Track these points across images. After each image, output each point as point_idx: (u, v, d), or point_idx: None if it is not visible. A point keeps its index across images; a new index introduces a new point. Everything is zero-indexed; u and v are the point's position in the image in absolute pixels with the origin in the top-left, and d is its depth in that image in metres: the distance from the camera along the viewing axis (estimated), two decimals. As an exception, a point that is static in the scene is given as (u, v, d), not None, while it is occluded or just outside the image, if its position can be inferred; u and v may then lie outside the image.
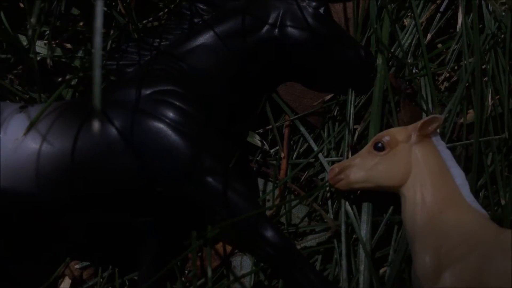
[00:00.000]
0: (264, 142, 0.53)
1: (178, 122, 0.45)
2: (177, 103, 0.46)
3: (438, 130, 0.47)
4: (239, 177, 0.46)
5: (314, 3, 0.49)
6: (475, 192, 0.49)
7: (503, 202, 0.48)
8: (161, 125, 0.45)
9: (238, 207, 0.45)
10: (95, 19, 0.32)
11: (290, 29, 0.49)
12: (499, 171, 0.49)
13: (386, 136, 0.46)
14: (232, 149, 0.48)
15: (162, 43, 0.51)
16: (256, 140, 0.53)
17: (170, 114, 0.45)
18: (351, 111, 0.52)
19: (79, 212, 0.46)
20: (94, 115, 0.42)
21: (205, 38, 0.49)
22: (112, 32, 0.56)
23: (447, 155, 0.46)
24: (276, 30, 0.49)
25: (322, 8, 0.50)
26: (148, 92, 0.47)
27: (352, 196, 0.50)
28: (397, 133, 0.46)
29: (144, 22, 0.56)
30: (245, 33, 0.49)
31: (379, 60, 0.52)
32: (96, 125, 0.34)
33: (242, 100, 0.50)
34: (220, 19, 0.50)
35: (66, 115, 0.47)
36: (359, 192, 0.49)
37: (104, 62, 0.52)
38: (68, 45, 0.56)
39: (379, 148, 0.46)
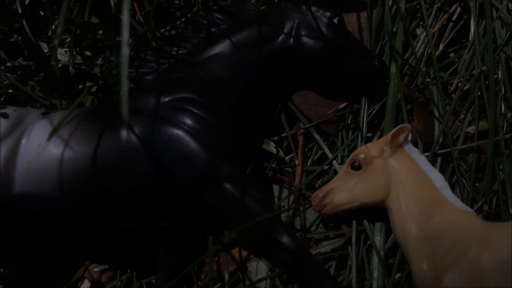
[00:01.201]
0: (279, 149, 0.54)
1: (196, 129, 0.46)
2: (195, 111, 0.47)
3: (409, 139, 0.48)
4: (256, 184, 0.47)
5: (328, 14, 0.50)
6: (488, 201, 0.50)
7: (511, 210, 0.49)
8: (180, 132, 0.46)
9: (255, 213, 0.46)
10: (122, 31, 0.34)
11: (304, 39, 0.50)
12: (508, 180, 0.49)
13: (360, 154, 0.48)
14: (248, 157, 0.49)
15: (180, 52, 0.53)
16: (272, 147, 0.54)
17: (189, 121, 0.46)
18: (365, 119, 0.53)
19: (99, 217, 0.47)
20: (119, 123, 0.44)
21: (221, 47, 0.51)
22: (130, 40, 0.58)
23: (422, 160, 0.48)
24: (291, 39, 0.50)
25: (337, 18, 0.51)
26: (166, 99, 0.48)
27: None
28: (371, 149, 0.48)
29: (162, 31, 0.58)
30: (261, 43, 0.50)
31: (393, 69, 0.53)
32: (124, 135, 0.35)
33: (258, 108, 0.52)
34: (236, 29, 0.51)
35: (87, 122, 0.48)
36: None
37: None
38: (88, 53, 0.58)
39: (356, 167, 0.48)
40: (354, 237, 0.49)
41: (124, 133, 0.35)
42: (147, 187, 0.46)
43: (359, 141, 0.52)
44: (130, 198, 0.47)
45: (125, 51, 0.34)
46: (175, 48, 0.53)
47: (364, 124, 0.53)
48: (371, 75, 0.52)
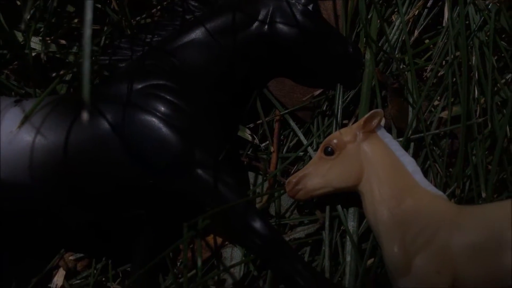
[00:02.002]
0: (255, 136, 0.54)
1: (169, 116, 0.46)
2: (168, 97, 0.47)
3: (382, 124, 0.48)
4: (230, 170, 0.47)
5: (303, 1, 0.50)
6: (461, 185, 0.50)
7: (484, 195, 0.49)
8: (152, 119, 0.46)
9: (228, 199, 0.46)
10: (85, 11, 0.33)
11: (279, 26, 0.50)
12: (481, 164, 0.50)
13: (333, 139, 0.48)
14: (223, 143, 0.49)
15: (154, 39, 0.52)
16: (247, 134, 0.54)
17: (161, 108, 0.46)
18: (340, 106, 0.53)
19: (72, 204, 0.47)
20: (83, 106, 0.43)
21: (196, 34, 0.50)
22: (105, 28, 0.57)
23: (394, 145, 0.48)
24: (266, 26, 0.50)
25: (311, 5, 0.51)
26: (139, 86, 0.48)
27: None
28: (343, 134, 0.48)
29: (137, 18, 0.57)
30: (235, 30, 0.50)
31: (368, 56, 0.53)
32: (85, 116, 0.35)
33: (232, 95, 0.51)
34: (211, 16, 0.51)
35: (59, 109, 0.48)
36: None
37: (97, 57, 0.53)
38: (63, 41, 0.58)
39: (329, 152, 0.48)
40: (327, 223, 0.50)
41: (84, 115, 0.34)
42: (119, 174, 0.46)
43: (334, 127, 0.52)
44: (102, 185, 0.46)
45: (88, 31, 0.33)
46: (150, 36, 0.52)
47: (339, 110, 0.53)
48: (346, 62, 0.52)
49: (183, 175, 0.46)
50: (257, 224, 0.45)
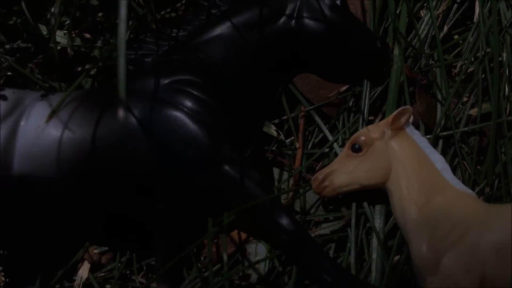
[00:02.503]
0: (280, 132, 0.53)
1: (196, 111, 0.46)
2: (195, 93, 0.47)
3: (410, 121, 0.48)
4: (256, 166, 0.47)
5: None
6: (490, 183, 0.49)
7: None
8: (179, 114, 0.46)
9: (254, 195, 0.45)
10: (120, 8, 0.33)
11: (306, 21, 0.50)
12: (510, 162, 0.49)
13: (361, 136, 0.47)
14: (248, 139, 0.48)
15: (180, 34, 0.52)
16: (272, 130, 0.54)
17: (188, 104, 0.46)
18: (366, 102, 0.52)
19: (98, 199, 0.47)
20: (117, 103, 0.43)
21: (222, 29, 0.50)
22: (130, 22, 0.57)
23: (423, 143, 0.47)
24: (293, 21, 0.50)
25: (339, 0, 0.50)
26: (166, 81, 0.47)
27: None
28: (371, 131, 0.47)
29: (162, 13, 0.57)
30: (262, 24, 0.50)
31: (396, 51, 0.53)
32: (121, 113, 0.35)
33: (258, 90, 0.51)
34: (237, 10, 0.51)
35: (86, 104, 0.48)
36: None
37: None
38: (88, 35, 0.58)
39: (356, 149, 0.47)
40: (353, 220, 0.49)
41: (121, 113, 0.34)
42: (146, 169, 0.46)
43: (360, 123, 0.52)
44: (129, 180, 0.46)
45: (122, 29, 0.33)
46: (176, 30, 0.52)
47: (366, 106, 0.52)
48: (373, 57, 0.51)
49: (210, 171, 0.46)
50: (284, 221, 0.45)
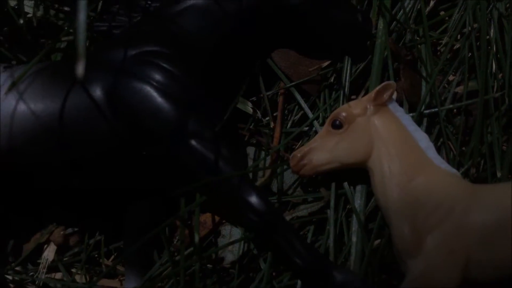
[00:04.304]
0: (257, 110, 0.51)
1: (164, 84, 0.44)
2: (163, 65, 0.45)
3: (394, 97, 0.46)
4: (227, 142, 0.45)
5: None
6: (475, 164, 0.47)
7: (499, 174, 0.46)
8: (146, 87, 0.44)
9: (222, 171, 0.43)
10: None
11: None
12: (496, 142, 0.47)
13: (342, 112, 0.45)
14: (221, 114, 0.46)
15: (153, 5, 0.50)
16: (249, 107, 0.51)
17: (156, 76, 0.44)
18: (347, 79, 0.50)
19: (63, 172, 0.45)
20: (79, 64, 0.41)
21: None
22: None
23: (407, 120, 0.45)
24: None
25: None
26: (134, 52, 0.45)
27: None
28: (353, 107, 0.45)
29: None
30: None
31: (380, 25, 0.50)
32: (80, 71, 0.32)
33: (234, 64, 0.49)
34: None
35: (50, 76, 0.46)
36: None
37: (93, 24, 0.51)
38: (67, 8, 0.55)
39: (337, 126, 0.45)
40: (333, 201, 0.47)
41: (80, 69, 0.31)
42: (112, 142, 0.44)
43: (341, 101, 0.49)
44: (95, 155, 0.44)
45: None
46: (148, 2, 0.50)
47: (347, 83, 0.50)
48: (354, 31, 0.49)
49: (177, 145, 0.44)
50: (253, 199, 0.43)
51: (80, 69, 0.32)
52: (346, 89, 0.50)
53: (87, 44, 0.53)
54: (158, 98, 0.43)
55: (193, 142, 0.43)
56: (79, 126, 0.44)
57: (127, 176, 0.46)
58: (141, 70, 0.44)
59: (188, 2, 0.48)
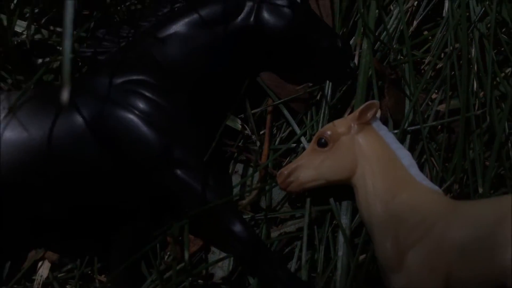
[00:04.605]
0: (246, 127, 0.52)
1: (148, 114, 0.45)
2: (148, 94, 0.46)
3: (377, 115, 0.47)
4: (211, 170, 0.46)
5: None
6: (458, 180, 0.49)
7: (480, 190, 0.48)
8: (130, 116, 0.45)
9: (206, 200, 0.44)
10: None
11: (266, 18, 0.48)
12: (478, 158, 0.48)
13: (327, 131, 0.46)
14: (207, 141, 0.47)
15: (138, 30, 0.50)
16: (238, 124, 0.52)
17: (140, 105, 0.45)
18: (327, 100, 0.51)
19: (52, 200, 0.46)
20: (71, 105, 0.43)
21: (178, 26, 0.49)
22: (94, 13, 0.55)
23: (390, 138, 0.46)
24: (252, 18, 0.49)
25: None
26: (119, 81, 0.46)
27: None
28: (338, 126, 0.46)
29: (127, 3, 0.56)
30: (220, 22, 0.48)
31: (365, 45, 0.52)
32: (64, 96, 0.33)
33: (220, 88, 0.50)
34: (195, 7, 0.49)
35: (36, 101, 0.46)
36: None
37: (79, 49, 0.51)
38: (59, 29, 0.56)
39: (322, 144, 0.46)
40: (306, 218, 0.47)
41: (64, 95, 0.32)
42: (96, 171, 0.45)
43: (321, 119, 0.50)
44: (81, 182, 0.45)
45: (68, 23, 0.32)
46: (134, 26, 0.50)
47: (327, 102, 0.51)
48: (334, 56, 0.50)
49: (160, 174, 0.45)
50: (237, 228, 0.44)
51: (65, 95, 0.32)
52: (326, 109, 0.51)
53: (79, 64, 0.55)
54: (143, 128, 0.45)
55: (178, 172, 0.45)
56: (65, 152, 0.45)
57: (113, 199, 0.47)
58: (126, 99, 0.45)
59: (171, 29, 0.49)
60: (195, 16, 0.48)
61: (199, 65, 0.48)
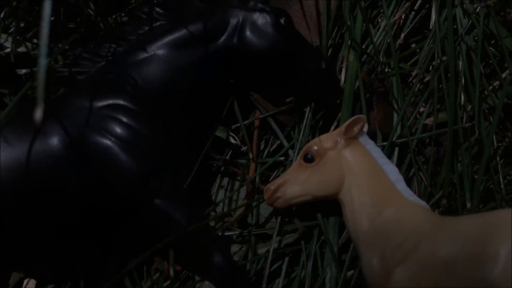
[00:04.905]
0: (235, 137, 0.51)
1: (125, 141, 0.44)
2: (126, 120, 0.45)
3: (364, 130, 0.47)
4: (191, 196, 0.45)
5: (274, 13, 0.48)
6: (445, 195, 0.48)
7: (469, 205, 0.47)
8: (108, 144, 0.44)
9: (185, 228, 0.44)
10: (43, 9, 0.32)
11: (249, 39, 0.48)
12: (466, 174, 0.48)
13: (313, 146, 0.46)
14: (191, 162, 0.46)
15: (118, 49, 0.49)
16: (227, 135, 0.51)
17: (118, 132, 0.44)
18: (309, 115, 0.51)
19: (26, 223, 0.45)
20: (46, 127, 0.43)
21: (158, 46, 0.47)
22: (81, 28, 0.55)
23: (377, 153, 0.46)
24: (235, 39, 0.48)
25: (283, 19, 0.48)
26: (98, 105, 0.45)
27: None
28: (324, 141, 0.46)
29: (113, 16, 0.55)
30: (202, 42, 0.48)
31: (351, 57, 0.52)
32: (38, 115, 0.32)
33: (202, 108, 0.49)
34: (175, 27, 0.48)
35: (23, 120, 0.45)
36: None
37: (56, 68, 0.50)
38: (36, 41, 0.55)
39: (309, 159, 0.46)
40: (299, 232, 0.47)
41: (38, 114, 0.32)
42: (75, 196, 0.44)
43: (301, 134, 0.50)
44: (55, 206, 0.44)
45: (44, 43, 0.31)
46: (113, 45, 0.49)
47: (307, 126, 0.50)
48: (318, 78, 0.50)
49: (137, 203, 0.44)
50: (216, 258, 0.44)
51: (38, 114, 0.32)
52: (307, 126, 0.50)
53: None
54: (121, 157, 0.44)
55: (156, 201, 0.44)
56: (42, 175, 0.43)
57: (96, 228, 0.46)
58: (102, 125, 0.44)
59: (151, 50, 0.47)
60: (177, 36, 0.48)
61: (181, 87, 0.47)
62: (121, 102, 0.45)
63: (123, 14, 0.56)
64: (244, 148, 0.52)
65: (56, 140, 0.44)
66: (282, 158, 0.51)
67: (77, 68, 0.49)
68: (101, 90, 0.46)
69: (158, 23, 0.49)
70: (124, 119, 0.45)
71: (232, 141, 0.51)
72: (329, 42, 0.53)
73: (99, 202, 0.44)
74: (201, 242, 0.44)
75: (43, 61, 0.31)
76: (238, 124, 0.52)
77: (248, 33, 0.47)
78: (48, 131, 0.44)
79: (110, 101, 0.45)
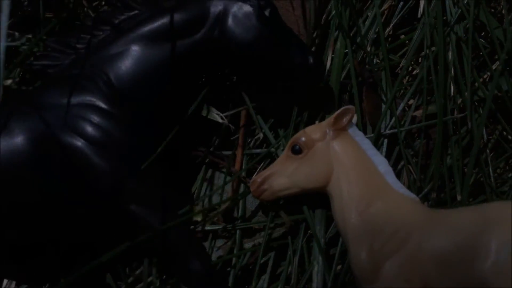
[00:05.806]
0: (224, 118, 0.49)
1: (97, 143, 0.42)
2: (98, 121, 0.42)
3: (353, 121, 0.45)
4: (167, 195, 0.44)
5: (258, 4, 0.45)
6: (436, 187, 0.47)
7: (459, 197, 0.46)
8: (79, 145, 0.42)
9: (163, 236, 0.42)
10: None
11: (231, 31, 0.45)
12: (456, 166, 0.47)
13: (301, 137, 0.45)
14: (164, 163, 0.44)
15: (91, 40, 0.46)
16: (216, 115, 0.49)
17: (90, 134, 0.42)
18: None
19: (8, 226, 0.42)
20: (14, 126, 0.40)
21: (133, 39, 0.45)
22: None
23: (366, 144, 0.45)
24: (216, 31, 0.45)
25: (268, 10, 0.45)
26: (68, 103, 0.43)
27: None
28: (312, 132, 0.45)
29: (94, 4, 0.53)
30: (181, 35, 0.45)
31: (338, 45, 0.50)
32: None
33: (179, 105, 0.47)
34: (152, 17, 0.45)
35: None
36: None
37: (29, 61, 0.48)
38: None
39: (296, 151, 0.45)
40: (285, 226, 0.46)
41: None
42: (48, 199, 0.42)
43: (291, 126, 0.49)
44: (35, 209, 0.42)
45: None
46: (84, 38, 0.46)
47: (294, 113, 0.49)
48: (304, 73, 0.47)
49: (112, 206, 0.43)
50: (193, 264, 0.43)
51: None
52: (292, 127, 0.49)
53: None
54: (93, 160, 0.42)
55: (131, 203, 0.42)
56: (5, 173, 0.41)
57: (65, 229, 0.44)
58: (76, 127, 0.42)
59: (126, 43, 0.45)
60: (153, 27, 0.45)
61: (157, 83, 0.44)
62: (93, 100, 0.43)
63: (103, 3, 0.54)
64: (232, 138, 0.50)
65: (22, 138, 0.41)
66: (273, 149, 0.49)
67: (47, 61, 0.46)
68: (72, 86, 0.43)
69: (133, 12, 0.46)
70: (96, 120, 0.42)
71: (220, 120, 0.49)
72: (315, 32, 0.52)
73: (70, 204, 0.42)
74: (177, 247, 0.43)
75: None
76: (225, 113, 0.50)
77: (230, 24, 0.45)
78: (13, 128, 0.41)
79: (82, 99, 0.43)
